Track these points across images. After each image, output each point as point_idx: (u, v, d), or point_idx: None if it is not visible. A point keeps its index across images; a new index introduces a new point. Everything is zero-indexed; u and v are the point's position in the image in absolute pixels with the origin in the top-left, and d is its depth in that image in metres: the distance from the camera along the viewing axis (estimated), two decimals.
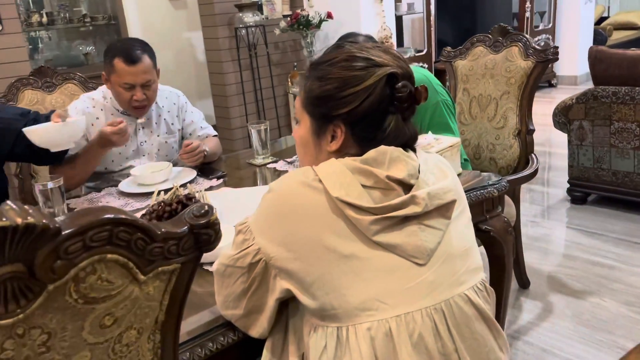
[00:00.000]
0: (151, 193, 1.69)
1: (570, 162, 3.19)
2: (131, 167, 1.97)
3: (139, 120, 1.98)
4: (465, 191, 1.53)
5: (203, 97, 5.41)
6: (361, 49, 0.94)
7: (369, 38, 1.90)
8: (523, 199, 3.37)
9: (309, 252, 0.85)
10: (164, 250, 0.70)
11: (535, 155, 2.20)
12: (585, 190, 3.17)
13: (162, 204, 1.44)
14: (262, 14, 4.32)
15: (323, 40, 4.49)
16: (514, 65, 2.24)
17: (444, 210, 0.90)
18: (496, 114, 2.29)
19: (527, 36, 2.25)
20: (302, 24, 4.13)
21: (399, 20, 5.36)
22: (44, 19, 4.89)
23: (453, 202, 0.92)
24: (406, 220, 0.87)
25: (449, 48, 2.52)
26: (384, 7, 4.31)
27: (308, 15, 4.14)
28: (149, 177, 1.82)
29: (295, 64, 4.44)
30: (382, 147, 0.90)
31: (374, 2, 4.28)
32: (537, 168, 2.15)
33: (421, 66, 4.96)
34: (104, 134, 1.73)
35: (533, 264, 2.60)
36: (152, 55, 1.90)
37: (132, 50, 1.83)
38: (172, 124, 2.08)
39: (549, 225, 3.02)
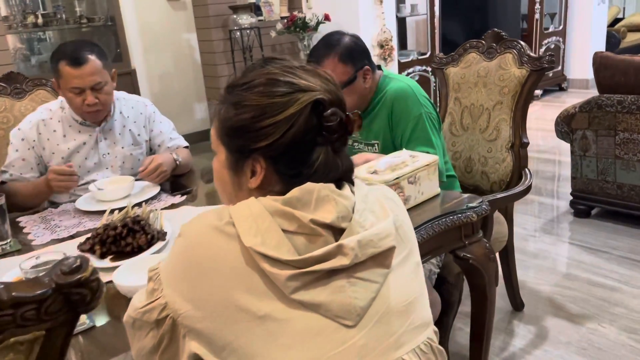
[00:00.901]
0: (119, 209, 1.58)
1: (574, 173, 3.03)
2: (94, 181, 1.86)
3: (98, 129, 1.88)
4: (441, 215, 1.40)
5: (202, 100, 5.31)
6: (284, 70, 0.81)
7: (356, 38, 1.77)
8: (524, 211, 3.21)
9: (219, 312, 0.72)
10: (15, 317, 0.58)
11: (529, 170, 2.05)
12: (589, 203, 3.01)
13: (108, 227, 1.33)
14: (257, 15, 4.20)
15: None
16: (507, 73, 2.10)
17: (382, 258, 0.77)
18: (488, 125, 2.14)
19: (522, 43, 2.10)
20: (298, 26, 4.01)
21: (402, 22, 5.22)
22: (40, 20, 4.81)
23: (392, 249, 0.78)
24: (333, 273, 0.74)
25: (441, 54, 2.38)
26: (384, 8, 4.17)
27: (305, 17, 4.01)
28: (109, 192, 1.71)
29: None
30: (308, 185, 0.77)
31: (374, 4, 4.14)
32: (531, 184, 2.00)
33: (423, 70, 4.81)
34: (48, 178, 1.67)
35: (529, 283, 2.45)
36: (102, 56, 1.79)
37: (78, 52, 1.72)
38: (139, 134, 1.97)
39: (549, 241, 2.86)
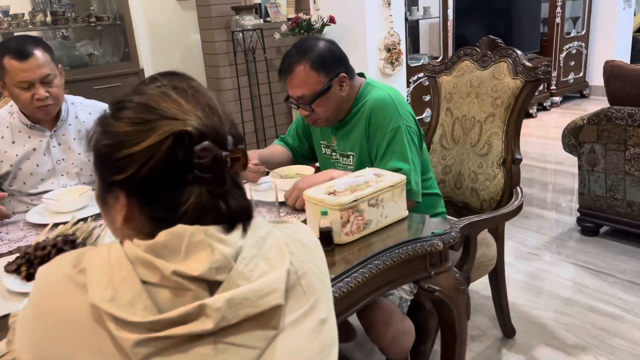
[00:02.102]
0: (62, 223, 1.50)
1: (581, 188, 2.85)
2: (49, 190, 1.78)
3: (49, 133, 1.80)
4: (402, 243, 1.27)
5: None
6: (161, 93, 0.69)
7: (331, 44, 1.65)
8: (527, 226, 3.05)
9: None
10: None
11: (520, 189, 1.90)
12: (597, 221, 2.83)
13: (37, 246, 1.23)
14: (261, 17, 4.10)
15: None
16: (501, 83, 1.95)
17: (265, 319, 0.65)
18: (480, 139, 2.00)
19: (518, 51, 1.96)
20: (303, 28, 3.89)
21: (414, 25, 5.07)
22: (49, 19, 4.81)
23: (277, 308, 0.66)
24: (196, 338, 0.62)
25: (434, 61, 2.24)
26: (393, 11, 4.03)
27: (310, 19, 3.90)
28: (64, 204, 1.62)
29: None
30: (178, 228, 0.66)
31: (382, 6, 4.00)
32: (521, 205, 1.85)
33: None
34: None
35: (523, 307, 2.30)
36: (48, 50, 1.72)
37: (22, 45, 1.66)
38: None
39: (550, 260, 2.69)
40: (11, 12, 4.77)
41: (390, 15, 4.03)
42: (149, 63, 5.16)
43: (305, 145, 1.90)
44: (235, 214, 0.70)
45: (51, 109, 1.75)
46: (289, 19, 4.10)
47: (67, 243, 1.24)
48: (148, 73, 5.15)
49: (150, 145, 0.65)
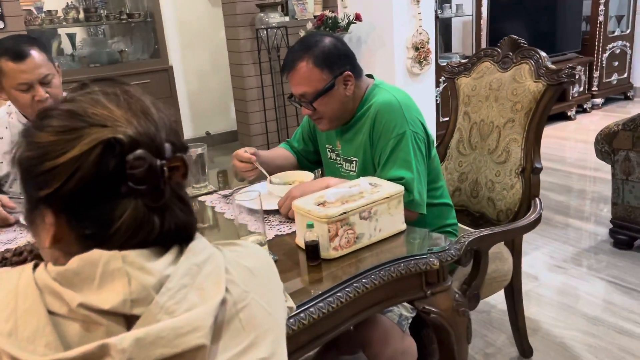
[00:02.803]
0: None
1: (614, 198, 2.68)
2: None
3: None
4: (394, 261, 1.18)
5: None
6: (91, 99, 0.63)
7: (337, 40, 1.56)
8: (555, 237, 2.88)
9: None
10: None
11: (539, 200, 1.77)
12: (631, 233, 2.65)
13: (14, 251, 1.20)
14: (287, 14, 4.04)
15: (355, 45, 4.15)
16: (521, 87, 1.82)
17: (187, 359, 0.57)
18: (498, 145, 1.88)
19: (541, 52, 1.82)
20: (328, 26, 3.81)
21: (446, 22, 4.91)
22: (81, 15, 4.87)
23: (201, 348, 0.58)
24: None
25: (453, 62, 2.12)
26: (422, 8, 3.90)
27: (335, 16, 3.81)
28: None
29: None
30: (93, 254, 0.59)
31: (410, 3, 3.87)
32: (539, 218, 1.72)
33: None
34: None
35: (545, 324, 2.16)
36: (44, 49, 1.68)
37: (18, 46, 1.62)
38: None
39: (578, 274, 2.53)
40: (45, 9, 4.85)
41: (419, 13, 3.90)
42: (178, 60, 5.17)
43: (310, 149, 1.82)
44: (171, 233, 0.63)
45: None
46: (315, 17, 4.02)
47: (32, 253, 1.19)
48: (177, 70, 5.17)
49: (77, 155, 0.59)
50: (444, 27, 4.83)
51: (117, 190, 0.60)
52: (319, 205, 1.21)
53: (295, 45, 1.57)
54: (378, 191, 1.26)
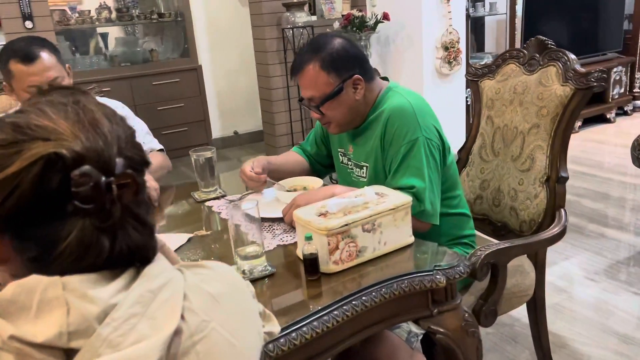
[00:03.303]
0: None
1: None
2: None
3: None
4: (397, 277, 1.11)
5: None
6: (38, 110, 0.58)
7: (347, 42, 1.50)
8: (588, 247, 2.74)
9: None
10: None
11: (564, 210, 1.67)
12: None
13: None
14: (315, 13, 3.98)
15: (383, 44, 4.06)
16: (548, 91, 1.72)
17: None
18: (522, 152, 1.78)
19: (570, 54, 1.71)
20: (355, 26, 3.74)
21: (479, 21, 4.77)
22: (113, 15, 4.93)
23: None
24: None
25: (478, 63, 2.03)
26: (452, 7, 3.78)
27: (363, 15, 3.73)
28: None
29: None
30: (31, 280, 0.54)
31: (440, 2, 3.76)
32: (564, 230, 1.62)
33: None
34: None
35: (573, 342, 2.04)
36: (54, 51, 1.67)
37: (28, 48, 1.62)
38: None
39: (610, 288, 2.39)
40: (79, 9, 4.93)
41: (449, 12, 3.78)
42: (207, 59, 5.18)
43: (323, 152, 1.76)
44: (124, 256, 0.58)
45: None
46: (342, 16, 3.95)
47: None
48: (206, 69, 5.19)
49: (16, 171, 0.55)
50: (476, 26, 4.69)
51: (63, 209, 0.55)
52: (320, 215, 1.15)
53: (304, 47, 1.51)
54: (384, 202, 1.19)
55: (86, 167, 0.55)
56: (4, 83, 1.69)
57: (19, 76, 1.61)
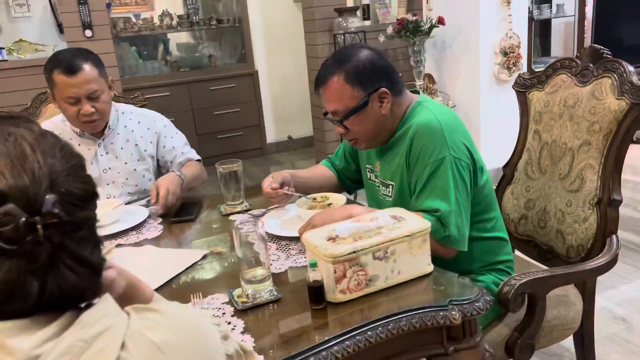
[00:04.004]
0: None
1: None
2: None
3: (99, 141, 1.81)
4: (411, 310, 1.03)
5: (315, 104, 5.17)
6: None
7: (375, 54, 1.42)
8: None
9: None
10: None
11: (617, 237, 1.51)
12: None
13: None
14: (369, 18, 3.91)
15: (440, 49, 3.93)
16: (601, 105, 1.57)
17: None
18: (571, 170, 1.63)
19: (627, 65, 1.55)
20: (409, 31, 3.63)
21: (545, 24, 4.52)
22: (174, 22, 5.06)
23: None
24: None
25: (526, 73, 1.89)
26: (513, 10, 3.59)
27: (417, 20, 3.62)
28: None
29: (400, 74, 3.94)
30: None
31: (499, 5, 3.59)
32: (615, 258, 1.47)
33: None
34: None
35: None
36: (98, 64, 1.71)
37: (72, 60, 1.66)
38: (145, 150, 1.88)
39: None
40: (143, 16, 5.09)
41: (510, 15, 3.60)
42: (263, 65, 5.22)
43: (352, 168, 1.69)
44: (55, 300, 0.54)
45: (97, 124, 1.76)
46: (398, 20, 3.85)
47: None
48: (262, 75, 5.22)
49: None
50: (541, 29, 4.45)
51: None
52: (329, 240, 1.09)
53: (328, 59, 1.45)
54: (399, 227, 1.11)
55: (9, 206, 0.51)
56: (49, 91, 1.74)
57: (60, 86, 1.66)
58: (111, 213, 1.60)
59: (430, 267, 1.15)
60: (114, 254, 1.35)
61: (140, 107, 2.30)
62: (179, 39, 5.37)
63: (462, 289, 1.08)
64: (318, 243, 1.08)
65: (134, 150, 1.85)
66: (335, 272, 1.04)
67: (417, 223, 1.13)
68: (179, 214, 1.64)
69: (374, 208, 1.36)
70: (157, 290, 1.19)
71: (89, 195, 0.59)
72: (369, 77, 1.37)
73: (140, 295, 0.70)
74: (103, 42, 3.33)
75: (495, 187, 1.93)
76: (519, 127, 1.87)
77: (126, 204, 1.70)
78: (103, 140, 1.82)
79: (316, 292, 1.04)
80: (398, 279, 1.11)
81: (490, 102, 3.71)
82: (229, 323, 1.02)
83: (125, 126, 1.86)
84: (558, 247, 1.67)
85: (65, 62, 1.66)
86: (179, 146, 1.92)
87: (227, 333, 0.70)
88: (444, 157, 1.29)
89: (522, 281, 1.33)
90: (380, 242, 1.07)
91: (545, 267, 1.76)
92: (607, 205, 1.53)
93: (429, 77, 3.84)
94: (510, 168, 1.87)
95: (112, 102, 1.88)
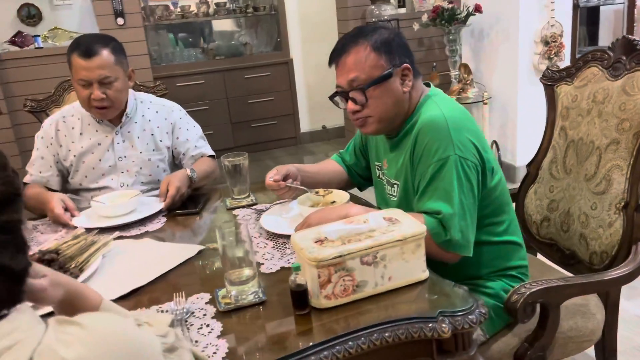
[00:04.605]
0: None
1: None
2: (108, 187, 1.78)
3: (117, 129, 1.81)
4: (398, 321, 0.97)
5: None
6: None
7: (396, 34, 1.34)
8: None
9: None
10: None
11: None
12: None
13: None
14: (404, 5, 3.79)
15: (477, 38, 3.78)
16: (632, 101, 1.44)
17: None
18: (597, 171, 1.52)
19: None
20: (444, 19, 3.50)
21: (593, 12, 4.28)
22: (211, 10, 5.06)
23: None
24: None
25: (555, 65, 1.77)
26: None
27: (453, 7, 3.49)
28: (110, 208, 1.59)
29: (435, 64, 3.82)
30: None
31: None
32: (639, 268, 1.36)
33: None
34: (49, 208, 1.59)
35: None
36: (117, 52, 1.70)
37: (90, 44, 1.66)
38: (161, 140, 1.86)
39: None
40: (180, 4, 5.12)
41: (552, 2, 3.41)
42: (298, 53, 5.16)
43: (362, 164, 1.63)
44: None
45: (107, 112, 1.75)
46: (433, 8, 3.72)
47: (43, 262, 1.17)
48: (297, 63, 5.17)
49: None
50: (589, 17, 4.22)
51: None
52: (317, 242, 1.04)
53: (348, 33, 1.37)
54: (392, 230, 1.05)
55: None
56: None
57: (75, 68, 1.67)
58: (127, 203, 1.60)
59: (424, 274, 1.08)
60: (110, 248, 1.34)
61: (160, 96, 2.30)
62: (215, 26, 5.37)
63: (455, 300, 1.01)
64: (304, 245, 1.03)
65: (149, 140, 1.84)
66: (319, 276, 0.99)
67: (412, 227, 1.06)
68: (184, 206, 1.62)
69: (372, 208, 1.30)
70: (147, 285, 1.18)
71: (8, 197, 0.55)
72: (395, 50, 1.30)
73: (83, 304, 0.67)
74: (134, 30, 3.36)
75: (519, 185, 1.83)
76: (545, 123, 1.76)
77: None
78: (120, 127, 1.81)
79: (299, 297, 1.00)
80: (388, 285, 1.04)
81: (528, 94, 3.55)
82: (208, 326, 0.99)
83: (143, 115, 1.85)
84: (581, 253, 1.56)
85: (84, 45, 1.68)
86: (193, 139, 1.90)
87: (173, 345, 0.66)
88: (448, 156, 1.21)
89: (532, 290, 1.25)
90: (370, 246, 1.01)
91: (567, 274, 1.66)
92: (635, 210, 1.42)
93: (465, 67, 3.70)
94: (534, 166, 1.77)
95: (132, 90, 1.88)
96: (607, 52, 1.59)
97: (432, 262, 1.14)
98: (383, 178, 1.47)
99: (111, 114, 1.77)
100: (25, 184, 1.80)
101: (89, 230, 1.44)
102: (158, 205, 1.62)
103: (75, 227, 1.48)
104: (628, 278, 1.35)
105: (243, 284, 1.05)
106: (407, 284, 1.06)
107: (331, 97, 1.42)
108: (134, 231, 1.49)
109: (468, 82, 3.64)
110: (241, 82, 5.03)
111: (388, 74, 1.28)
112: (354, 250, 1.00)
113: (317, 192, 1.45)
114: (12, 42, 3.13)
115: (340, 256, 0.99)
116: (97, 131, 1.81)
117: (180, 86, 4.83)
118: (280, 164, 1.65)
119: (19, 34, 3.21)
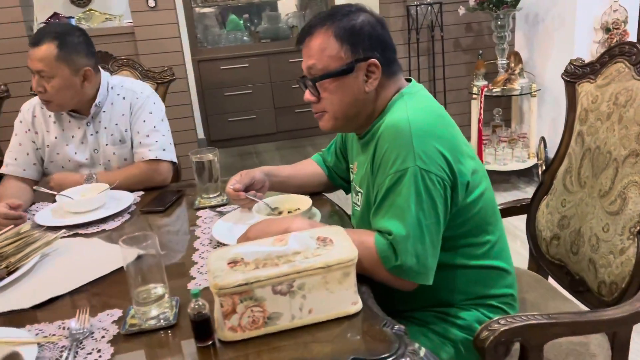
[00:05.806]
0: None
1: None
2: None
3: (86, 120, 1.74)
4: None
5: None
6: None
7: (377, 21, 1.16)
8: None
9: None
10: None
11: None
12: None
13: None
14: None
15: (532, 24, 3.45)
16: None
17: None
18: (612, 187, 1.28)
19: None
20: (491, 3, 3.22)
21: None
22: None
23: None
24: None
25: (579, 59, 1.52)
26: None
27: None
28: (76, 204, 1.52)
29: (481, 51, 3.54)
30: None
31: None
32: None
33: None
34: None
35: None
36: (64, 47, 1.59)
37: (40, 34, 1.61)
38: (125, 130, 1.75)
39: None
40: None
41: None
42: None
43: (342, 165, 1.47)
44: None
45: (49, 106, 1.67)
46: None
47: None
48: None
49: None
50: None
51: None
52: (230, 263, 0.91)
53: (322, 12, 1.20)
54: (319, 254, 0.90)
55: None
56: None
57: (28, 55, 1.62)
58: (94, 198, 1.53)
59: (355, 307, 0.92)
60: (53, 246, 1.27)
61: (167, 83, 2.21)
62: (263, 9, 5.28)
63: (377, 344, 0.84)
64: (215, 267, 0.90)
65: (115, 131, 1.74)
66: (222, 305, 0.86)
67: (341, 252, 0.90)
68: (150, 203, 1.53)
69: (320, 223, 1.15)
70: (69, 293, 1.09)
71: None
72: (362, 41, 1.12)
73: None
74: (166, 12, 3.31)
75: (532, 196, 1.60)
76: (563, 126, 1.52)
77: (112, 188, 1.60)
78: (92, 118, 1.73)
79: (199, 327, 0.87)
80: (309, 319, 0.90)
81: None
82: (98, 351, 0.89)
83: (112, 103, 1.74)
84: (589, 280, 1.34)
85: (36, 34, 1.64)
86: (143, 132, 1.73)
87: None
88: (407, 168, 1.03)
89: (507, 327, 1.06)
90: (284, 273, 0.87)
91: (577, 303, 1.44)
92: None
93: (516, 55, 3.39)
94: (549, 175, 1.54)
95: (107, 74, 1.78)
96: (636, 46, 1.34)
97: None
98: (352, 184, 1.31)
99: (53, 109, 1.69)
100: (1, 176, 1.76)
101: (50, 228, 1.39)
102: (128, 200, 1.54)
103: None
104: (632, 319, 1.12)
105: (149, 305, 0.94)
106: (333, 317, 0.91)
107: (298, 80, 1.25)
108: (92, 228, 1.42)
109: (516, 71, 3.33)
110: (286, 67, 4.91)
111: (348, 68, 1.11)
112: (263, 277, 0.86)
113: (276, 209, 1.31)
114: (47, 23, 3.17)
115: (245, 284, 0.86)
116: (69, 122, 1.74)
117: (224, 69, 4.79)
118: (321, 150, 1.52)
119: (54, 15, 3.24)
